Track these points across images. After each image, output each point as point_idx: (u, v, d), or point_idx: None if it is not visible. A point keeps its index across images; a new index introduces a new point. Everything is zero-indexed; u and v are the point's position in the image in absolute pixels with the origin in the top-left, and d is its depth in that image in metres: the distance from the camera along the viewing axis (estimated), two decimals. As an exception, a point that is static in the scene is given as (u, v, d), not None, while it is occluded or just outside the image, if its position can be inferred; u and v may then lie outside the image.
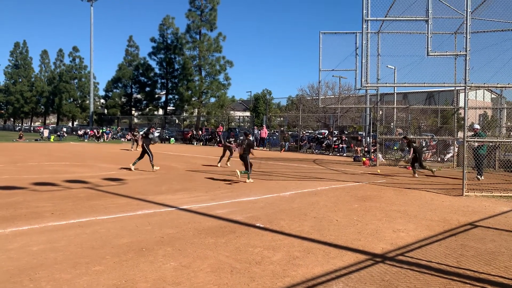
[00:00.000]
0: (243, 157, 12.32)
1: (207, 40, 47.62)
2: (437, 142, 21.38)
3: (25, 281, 4.24)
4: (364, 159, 19.95)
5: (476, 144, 12.98)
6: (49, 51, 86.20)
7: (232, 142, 17.05)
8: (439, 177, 14.44)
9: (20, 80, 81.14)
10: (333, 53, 18.73)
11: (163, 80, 58.14)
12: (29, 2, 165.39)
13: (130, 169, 14.42)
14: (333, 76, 34.35)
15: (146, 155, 14.36)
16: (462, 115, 14.22)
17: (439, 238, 6.24)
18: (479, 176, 13.52)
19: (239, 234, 6.20)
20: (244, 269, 4.70)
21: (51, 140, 39.99)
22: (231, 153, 17.09)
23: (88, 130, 46.20)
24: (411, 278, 4.54)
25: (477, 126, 14.10)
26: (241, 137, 14.95)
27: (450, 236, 6.40)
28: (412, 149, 15.10)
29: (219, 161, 17.02)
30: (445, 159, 20.47)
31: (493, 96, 26.15)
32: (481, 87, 11.48)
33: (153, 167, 14.39)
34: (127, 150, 27.01)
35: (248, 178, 12.20)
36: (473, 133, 14.03)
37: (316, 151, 29.23)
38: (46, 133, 43.19)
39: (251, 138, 15.14)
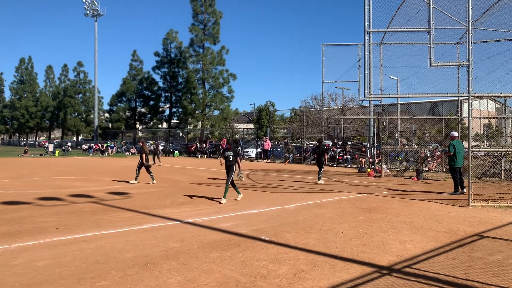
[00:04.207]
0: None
1: (210, 54, 47.99)
2: (442, 152, 21.27)
3: (30, 297, 4.22)
4: (368, 170, 19.89)
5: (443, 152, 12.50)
6: (54, 67, 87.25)
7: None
8: (444, 188, 14.34)
9: (25, 95, 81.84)
10: (335, 64, 18.83)
11: (167, 94, 58.52)
12: (34, 19, 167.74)
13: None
14: (336, 87, 34.45)
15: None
16: (467, 125, 14.17)
17: (446, 250, 6.18)
18: (455, 192, 12.65)
19: (244, 248, 6.17)
20: (249, 283, 4.66)
21: (56, 154, 40.13)
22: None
23: (93, 144, 46.33)
24: (419, 290, 4.49)
25: (454, 134, 13.29)
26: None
27: (457, 247, 6.34)
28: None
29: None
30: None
31: (497, 105, 26.09)
32: (485, 96, 11.42)
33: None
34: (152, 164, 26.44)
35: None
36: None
37: (321, 162, 29.12)
38: (51, 147, 43.31)
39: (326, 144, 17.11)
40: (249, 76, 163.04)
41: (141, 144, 15.38)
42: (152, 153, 28.58)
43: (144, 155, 14.80)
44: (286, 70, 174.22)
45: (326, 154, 16.64)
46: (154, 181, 14.74)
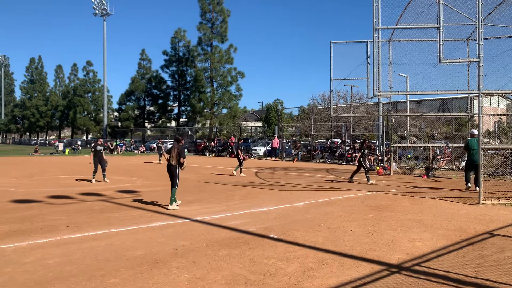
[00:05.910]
0: None
1: (219, 52, 48.00)
2: (452, 150, 21.10)
3: (41, 294, 4.27)
4: (377, 168, 19.78)
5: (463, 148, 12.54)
6: (64, 66, 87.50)
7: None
8: (454, 185, 14.23)
9: (36, 94, 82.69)
10: (344, 62, 18.74)
11: (175, 92, 58.75)
12: (43, 19, 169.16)
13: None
14: (344, 85, 34.35)
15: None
16: (477, 122, 14.04)
17: (456, 248, 6.13)
18: (469, 184, 12.87)
19: (253, 246, 6.18)
20: (258, 281, 4.67)
21: (66, 153, 40.46)
22: (240, 163, 17.70)
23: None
24: (428, 289, 4.46)
25: (474, 132, 13.26)
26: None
27: (467, 245, 6.28)
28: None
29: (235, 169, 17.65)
30: (460, 167, 20.17)
31: (508, 102, 25.83)
32: (496, 93, 11.31)
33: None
34: (154, 163, 26.65)
35: None
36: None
37: (329, 160, 29.09)
38: (61, 146, 43.64)
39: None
40: (257, 74, 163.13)
41: (99, 142, 15.79)
42: (158, 152, 28.83)
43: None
44: (294, 68, 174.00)
45: (361, 153, 15.58)
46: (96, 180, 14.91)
